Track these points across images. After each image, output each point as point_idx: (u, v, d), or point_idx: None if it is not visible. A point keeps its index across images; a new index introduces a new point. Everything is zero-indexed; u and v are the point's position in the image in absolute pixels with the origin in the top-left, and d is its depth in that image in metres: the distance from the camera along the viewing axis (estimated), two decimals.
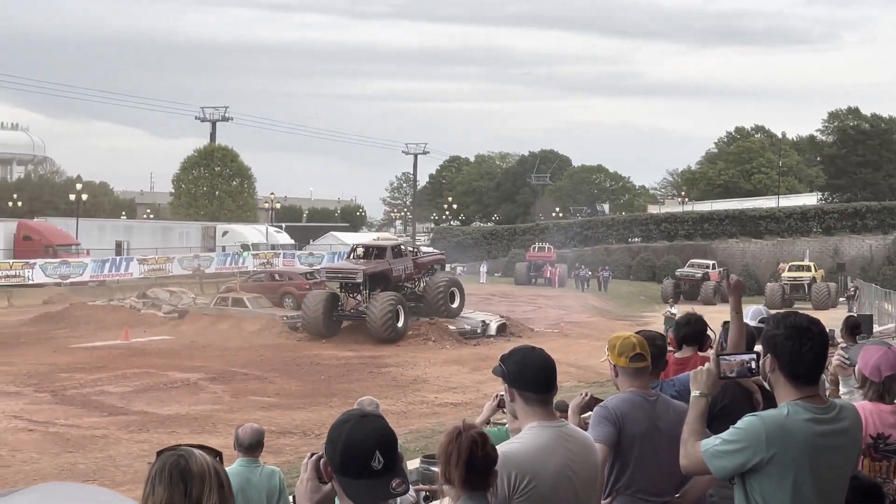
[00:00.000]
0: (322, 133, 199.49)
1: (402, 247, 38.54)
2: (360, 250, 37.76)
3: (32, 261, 52.12)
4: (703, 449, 3.57)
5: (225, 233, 71.10)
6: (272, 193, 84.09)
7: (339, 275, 36.00)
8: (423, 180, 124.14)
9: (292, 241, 74.56)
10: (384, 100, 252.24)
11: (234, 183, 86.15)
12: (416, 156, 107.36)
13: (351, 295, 35.48)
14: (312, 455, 2.83)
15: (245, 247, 66.78)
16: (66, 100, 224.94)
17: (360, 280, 34.47)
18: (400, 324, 33.66)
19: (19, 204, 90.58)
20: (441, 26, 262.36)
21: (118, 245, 64.99)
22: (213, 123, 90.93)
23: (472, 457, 3.22)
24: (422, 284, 37.51)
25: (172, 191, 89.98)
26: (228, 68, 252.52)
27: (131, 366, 27.39)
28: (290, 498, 7.59)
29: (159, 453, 2.62)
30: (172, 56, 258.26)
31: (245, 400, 23.00)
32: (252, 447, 7.27)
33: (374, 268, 35.04)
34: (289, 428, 19.47)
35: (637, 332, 4.94)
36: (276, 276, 45.20)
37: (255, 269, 56.77)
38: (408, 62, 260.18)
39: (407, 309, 34.32)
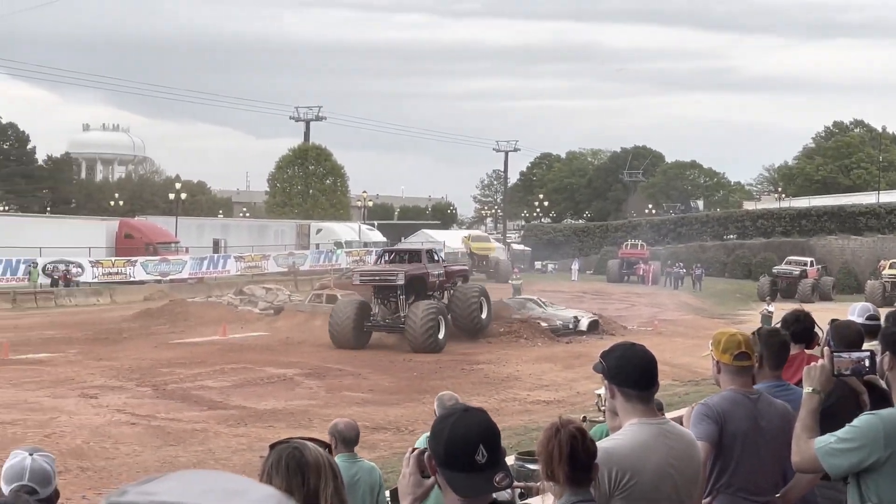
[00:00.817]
0: (413, 131, 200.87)
1: (435, 252, 35.80)
2: (388, 255, 35.62)
3: (134, 258, 53.53)
4: (818, 447, 3.52)
5: (319, 231, 71.95)
6: (364, 192, 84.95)
7: (377, 277, 32.61)
8: (513, 177, 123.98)
9: (384, 239, 75.14)
10: (476, 98, 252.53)
11: (328, 181, 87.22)
12: (506, 153, 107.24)
13: (383, 303, 32.44)
14: (414, 450, 2.88)
15: (338, 244, 67.50)
16: (166, 101, 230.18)
17: (400, 282, 31.46)
18: (441, 335, 30.82)
19: (121, 203, 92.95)
20: (534, 23, 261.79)
21: (216, 243, 66.27)
22: (308, 123, 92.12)
23: (574, 452, 3.24)
24: (446, 295, 34.26)
25: (268, 189, 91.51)
26: (323, 68, 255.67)
27: (229, 361, 27.89)
28: (387, 493, 7.67)
29: (272, 446, 2.70)
30: (269, 57, 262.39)
31: (340, 395, 23.27)
32: (349, 442, 7.36)
33: (414, 270, 32.32)
34: (383, 424, 19.63)
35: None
36: None
37: (348, 266, 57.34)
38: (500, 60, 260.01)
39: (447, 319, 31.57)
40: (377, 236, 74.83)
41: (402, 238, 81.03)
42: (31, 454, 3.71)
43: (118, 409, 20.70)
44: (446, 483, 2.73)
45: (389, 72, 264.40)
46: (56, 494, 3.69)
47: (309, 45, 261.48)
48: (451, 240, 76.10)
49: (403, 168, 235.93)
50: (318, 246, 68.28)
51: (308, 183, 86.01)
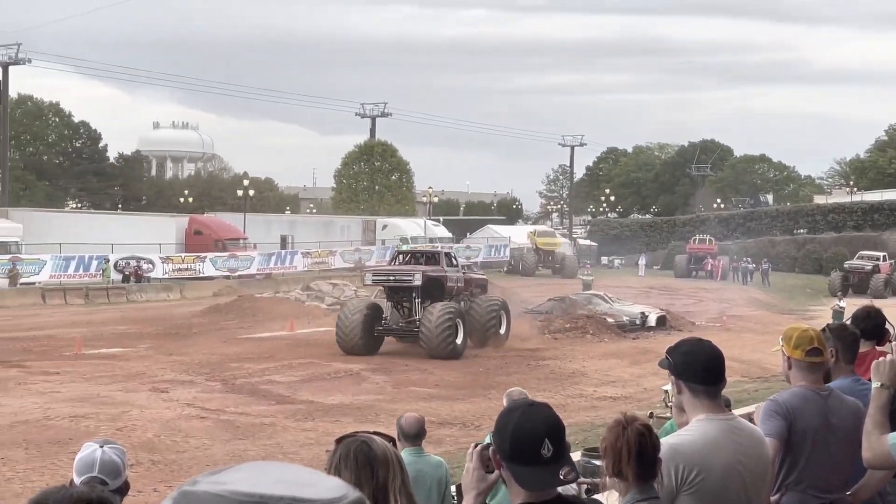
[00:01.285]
0: (479, 127, 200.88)
1: (453, 256, 33.13)
2: (403, 256, 32.25)
3: (203, 255, 54.30)
4: (892, 442, 3.46)
5: (384, 226, 72.28)
6: (430, 187, 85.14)
7: (391, 277, 29.60)
8: (579, 172, 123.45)
9: (450, 235, 75.22)
10: (541, 92, 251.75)
11: (394, 177, 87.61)
12: (572, 148, 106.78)
13: (396, 306, 29.74)
14: (477, 445, 2.88)
15: (404, 240, 67.69)
16: (234, 99, 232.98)
17: (417, 283, 28.72)
18: (459, 340, 28.25)
19: (190, 200, 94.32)
20: (600, 17, 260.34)
21: (283, 239, 66.90)
22: (373, 119, 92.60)
23: (643, 449, 3.22)
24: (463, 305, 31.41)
25: (334, 186, 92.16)
26: (389, 65, 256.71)
27: (296, 356, 28.14)
28: (453, 489, 7.68)
29: (339, 440, 2.73)
30: (336, 54, 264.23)
31: (406, 391, 23.36)
32: (416, 436, 7.38)
33: (432, 272, 29.56)
34: (448, 419, 19.67)
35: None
36: None
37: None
38: (566, 54, 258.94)
39: (465, 322, 28.96)
40: (443, 232, 74.95)
41: (468, 234, 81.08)
42: (101, 446, 3.78)
43: (188, 403, 21.00)
44: (512, 477, 2.73)
45: (455, 67, 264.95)
46: (126, 486, 3.76)
47: (375, 41, 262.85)
48: (516, 235, 75.96)
49: (469, 163, 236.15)
50: (383, 242, 68.57)
51: (374, 179, 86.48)
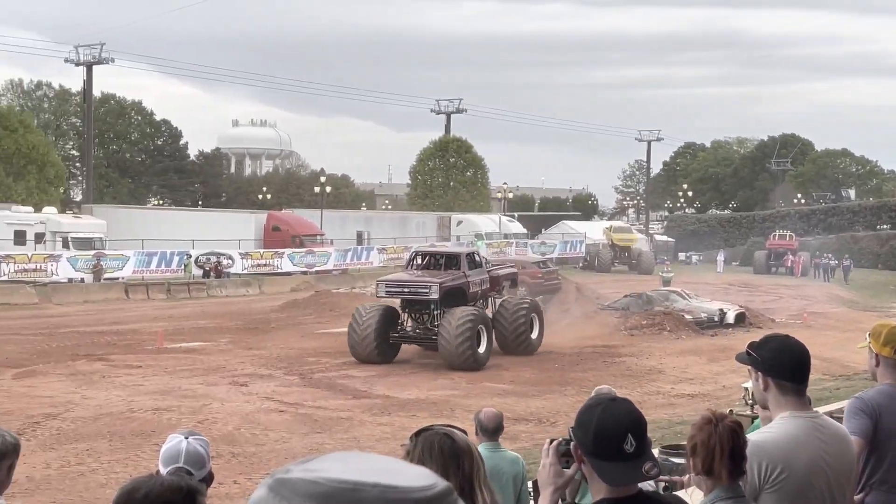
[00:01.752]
0: (554, 122, 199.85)
1: (477, 255, 30.07)
2: (421, 258, 29.14)
3: (281, 250, 54.98)
4: None
5: (459, 222, 72.41)
6: (505, 183, 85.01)
7: (406, 289, 26.92)
8: (656, 168, 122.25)
9: (525, 231, 75.08)
10: (618, 87, 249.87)
11: (468, 173, 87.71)
12: (649, 143, 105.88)
13: (414, 315, 27.38)
14: (552, 441, 2.88)
15: (479, 236, 67.78)
16: (311, 96, 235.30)
17: (434, 296, 26.27)
18: (482, 349, 25.96)
19: (268, 196, 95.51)
20: (678, 10, 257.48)
21: (359, 235, 67.41)
22: (448, 115, 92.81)
23: (734, 446, 3.18)
24: (491, 303, 29.30)
25: (409, 182, 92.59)
26: (464, 61, 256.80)
27: None
28: (529, 484, 7.68)
29: (417, 434, 2.75)
30: (411, 51, 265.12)
31: (480, 386, 23.39)
32: (494, 431, 7.40)
33: (451, 281, 26.95)
34: (524, 415, 19.67)
35: None
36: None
37: (487, 257, 57.47)
38: (643, 48, 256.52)
39: (490, 328, 26.71)
40: (517, 228, 74.83)
41: (543, 229, 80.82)
42: (186, 438, 3.87)
43: (267, 396, 21.30)
44: (594, 472, 2.72)
45: (530, 62, 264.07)
46: (210, 477, 3.84)
47: (452, 37, 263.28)
48: (592, 231, 75.51)
49: (544, 159, 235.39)
50: (458, 237, 68.71)
51: (449, 175, 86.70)
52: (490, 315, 27.94)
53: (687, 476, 5.32)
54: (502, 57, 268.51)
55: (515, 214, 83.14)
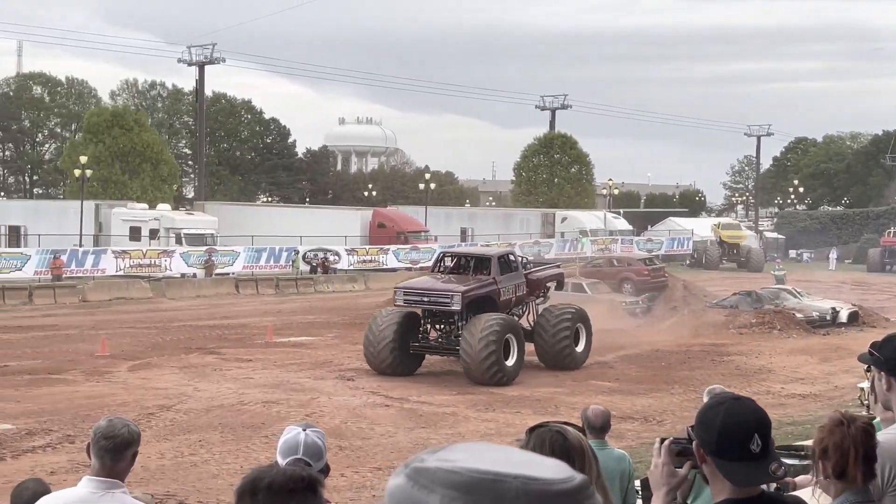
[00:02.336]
0: (661, 117, 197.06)
1: (512, 256, 26.80)
2: (449, 259, 26.50)
3: (386, 247, 55.54)
4: None
5: (564, 219, 72.04)
6: (610, 179, 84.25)
7: (426, 298, 24.03)
8: (766, 163, 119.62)
9: (630, 227, 74.34)
10: (726, 82, 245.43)
11: (573, 170, 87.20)
12: (759, 138, 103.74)
13: (437, 325, 24.85)
14: (663, 440, 2.85)
15: (583, 233, 67.36)
16: (416, 94, 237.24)
17: (456, 307, 23.52)
18: (511, 361, 23.10)
19: (374, 193, 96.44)
20: (788, 3, 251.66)
21: (463, 231, 67.60)
22: (553, 112, 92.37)
23: (868, 448, 3.10)
24: (533, 309, 26.30)
25: (513, 178, 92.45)
26: (569, 56, 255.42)
27: None
28: (637, 483, 7.63)
29: (531, 430, 2.76)
30: (516, 47, 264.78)
31: (586, 384, 23.27)
32: (601, 429, 7.37)
33: (478, 289, 24.13)
34: (630, 413, 19.51)
35: None
36: (615, 262, 45.35)
37: (593, 254, 57.14)
38: (751, 42, 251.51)
39: (521, 337, 23.84)
40: (623, 224, 74.12)
41: (649, 226, 79.90)
42: (304, 430, 3.96)
43: (373, 391, 21.56)
44: (717, 472, 2.68)
45: (636, 57, 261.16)
46: (327, 469, 3.92)
47: (555, 33, 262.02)
48: (699, 227, 74.38)
49: (650, 155, 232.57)
50: (563, 234, 68.40)
51: (553, 171, 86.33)
52: (532, 322, 25.70)
53: (799, 477, 5.23)
54: (607, 52, 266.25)
55: (621, 211, 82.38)
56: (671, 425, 18.24)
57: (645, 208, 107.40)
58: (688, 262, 66.60)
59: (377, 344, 23.53)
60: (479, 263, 25.32)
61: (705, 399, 7.93)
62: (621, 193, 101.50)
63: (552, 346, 24.91)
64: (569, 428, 2.75)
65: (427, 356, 24.88)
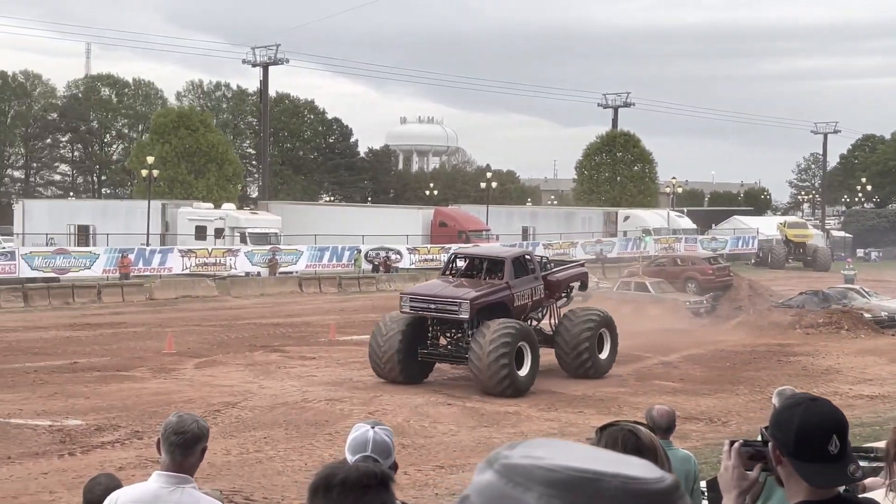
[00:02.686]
0: (725, 114, 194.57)
1: (528, 257, 25.11)
2: (462, 260, 24.78)
3: (448, 245, 55.51)
4: None
5: (626, 218, 71.54)
6: (673, 178, 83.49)
7: (432, 305, 22.27)
8: (833, 161, 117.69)
9: (694, 226, 73.60)
10: (791, 79, 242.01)
11: (636, 168, 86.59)
12: (825, 135, 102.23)
13: (446, 332, 23.09)
14: (733, 442, 2.82)
15: (646, 232, 66.85)
16: (477, 93, 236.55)
17: (465, 316, 21.78)
18: (524, 370, 21.50)
19: (435, 192, 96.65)
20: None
21: (524, 230, 67.46)
22: (615, 110, 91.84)
23: None
24: (552, 314, 24.76)
25: (575, 177, 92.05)
26: (632, 54, 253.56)
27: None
28: (702, 484, 7.56)
29: (602, 429, 2.76)
30: (578, 45, 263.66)
31: (650, 384, 23.11)
32: (666, 429, 7.32)
33: (487, 294, 22.40)
34: (694, 414, 19.34)
35: None
36: (679, 261, 44.92)
37: (656, 253, 56.68)
38: (817, 38, 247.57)
39: (535, 345, 22.10)
40: (686, 223, 73.39)
41: (713, 225, 79.07)
42: (372, 427, 3.99)
43: (435, 390, 21.61)
44: (794, 474, 2.64)
45: (699, 54, 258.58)
46: (395, 466, 3.95)
47: (617, 30, 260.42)
48: (764, 226, 73.41)
49: (714, 153, 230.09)
50: (625, 233, 67.93)
51: (616, 170, 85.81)
52: (553, 326, 24.27)
53: (868, 479, 5.15)
54: (670, 48, 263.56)
55: (685, 209, 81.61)
56: (736, 426, 18.06)
57: (709, 206, 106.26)
58: (753, 261, 65.82)
59: (382, 352, 22.13)
60: (493, 266, 23.59)
61: (774, 400, 7.83)
62: (685, 192, 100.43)
63: (572, 354, 23.41)
64: (640, 427, 2.74)
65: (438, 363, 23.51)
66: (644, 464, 1.14)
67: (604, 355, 23.93)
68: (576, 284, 25.76)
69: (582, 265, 28.13)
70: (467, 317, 21.73)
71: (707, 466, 11.54)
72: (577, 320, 23.72)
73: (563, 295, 25.11)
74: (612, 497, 1.08)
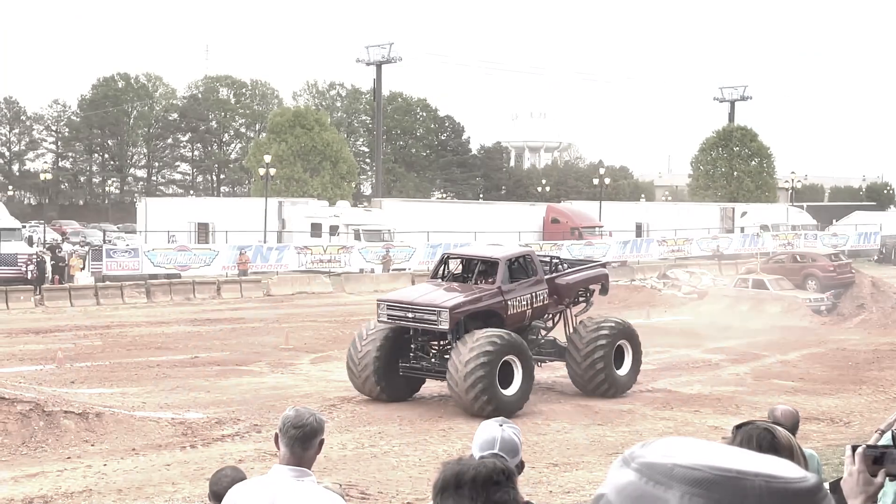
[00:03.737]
0: (846, 108, 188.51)
1: (530, 257, 21.71)
2: (453, 263, 21.81)
3: (560, 242, 55.33)
4: None
5: (744, 213, 70.19)
6: (793, 172, 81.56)
7: (411, 314, 19.56)
8: None
9: (814, 222, 71.80)
10: None
11: (753, 163, 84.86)
12: None
13: (429, 343, 20.51)
14: (856, 447, 2.76)
15: (764, 227, 65.49)
16: (589, 88, 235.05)
17: (444, 326, 19.14)
18: (511, 390, 18.82)
19: (547, 189, 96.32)
20: None
21: (637, 227, 66.72)
22: (732, 104, 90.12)
23: None
24: (567, 321, 21.94)
25: (690, 173, 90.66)
26: (749, 46, 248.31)
27: (653, 344, 27.92)
28: (825, 485, 7.38)
29: (738, 427, 2.74)
30: (693, 37, 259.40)
31: (768, 383, 22.65)
32: (790, 430, 7.15)
33: (473, 301, 19.69)
34: (814, 414, 18.88)
35: None
36: (798, 258, 43.82)
37: (774, 249, 55.47)
38: None
39: (528, 359, 19.27)
40: (806, 219, 71.64)
41: (834, 220, 76.98)
42: (501, 425, 4.01)
43: (548, 387, 21.55)
44: None
45: (821, 46, 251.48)
46: (521, 465, 3.96)
47: (735, 20, 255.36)
48: (888, 222, 71.16)
49: (835, 147, 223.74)
50: (742, 229, 66.65)
51: (732, 165, 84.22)
52: (567, 335, 21.41)
53: None
54: (792, 39, 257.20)
55: (804, 205, 79.65)
56: (859, 427, 17.58)
57: (829, 202, 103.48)
58: (875, 257, 63.88)
59: (358, 365, 19.70)
60: (486, 268, 20.80)
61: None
62: (804, 186, 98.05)
63: (583, 369, 20.69)
64: (777, 427, 2.71)
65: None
66: (786, 463, 1.13)
67: (623, 371, 21.10)
68: (596, 287, 22.64)
69: (602, 266, 25.03)
70: (447, 327, 19.07)
71: (828, 468, 11.25)
72: (587, 332, 20.88)
73: (581, 300, 22.32)
74: (756, 496, 1.07)
